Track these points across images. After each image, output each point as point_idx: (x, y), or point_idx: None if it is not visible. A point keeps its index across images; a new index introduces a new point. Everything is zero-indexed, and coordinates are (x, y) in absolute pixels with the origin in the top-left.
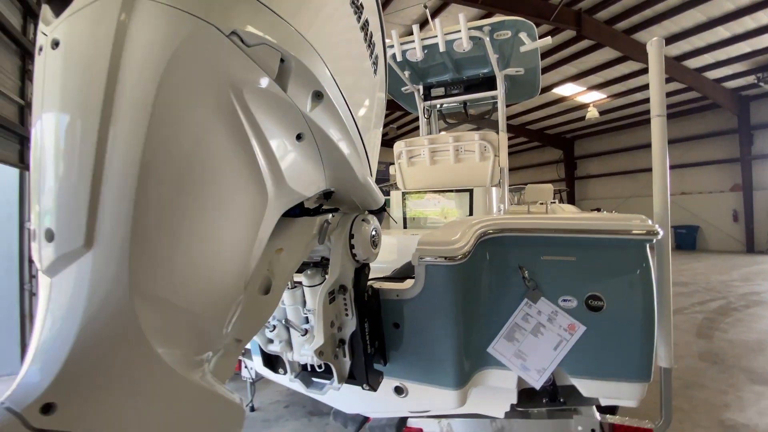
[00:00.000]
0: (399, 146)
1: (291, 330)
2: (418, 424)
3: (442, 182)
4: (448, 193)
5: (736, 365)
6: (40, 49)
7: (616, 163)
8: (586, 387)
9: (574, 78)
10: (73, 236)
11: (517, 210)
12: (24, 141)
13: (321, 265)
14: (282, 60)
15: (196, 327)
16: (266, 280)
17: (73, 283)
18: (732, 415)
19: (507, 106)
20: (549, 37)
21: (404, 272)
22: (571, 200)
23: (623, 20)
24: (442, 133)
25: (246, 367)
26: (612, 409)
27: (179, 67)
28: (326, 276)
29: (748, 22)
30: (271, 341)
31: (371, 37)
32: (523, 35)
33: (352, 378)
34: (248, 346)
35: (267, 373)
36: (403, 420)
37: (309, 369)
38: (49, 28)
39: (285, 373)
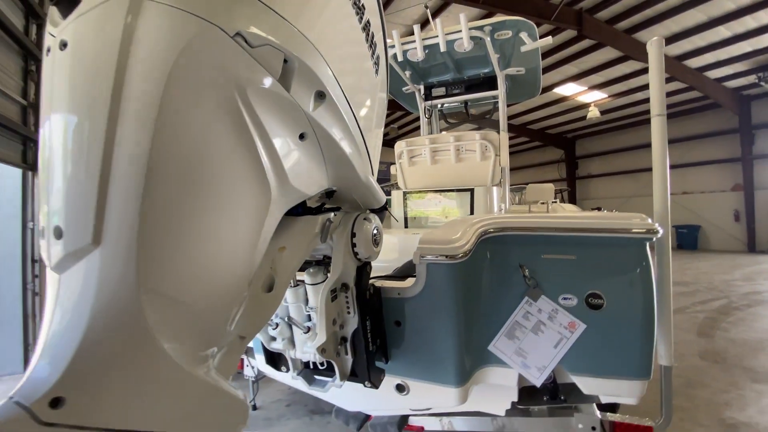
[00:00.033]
0: (400, 146)
1: (293, 327)
2: (420, 422)
3: (443, 182)
4: (449, 193)
5: (738, 364)
6: (48, 50)
7: (617, 162)
8: (586, 384)
9: (575, 78)
10: (81, 234)
11: (518, 210)
12: (27, 141)
13: (323, 263)
14: (285, 60)
15: (201, 323)
16: (269, 278)
17: (81, 279)
18: (733, 414)
19: (508, 105)
20: (550, 36)
21: (405, 271)
22: (572, 200)
23: (624, 20)
24: (443, 132)
25: (248, 365)
26: (612, 407)
27: (185, 67)
28: (328, 274)
29: (749, 22)
30: (273, 339)
31: (373, 37)
32: (523, 35)
33: (354, 375)
34: (251, 344)
35: (269, 371)
36: (404, 418)
37: (311, 367)
38: (57, 29)
39: (287, 370)
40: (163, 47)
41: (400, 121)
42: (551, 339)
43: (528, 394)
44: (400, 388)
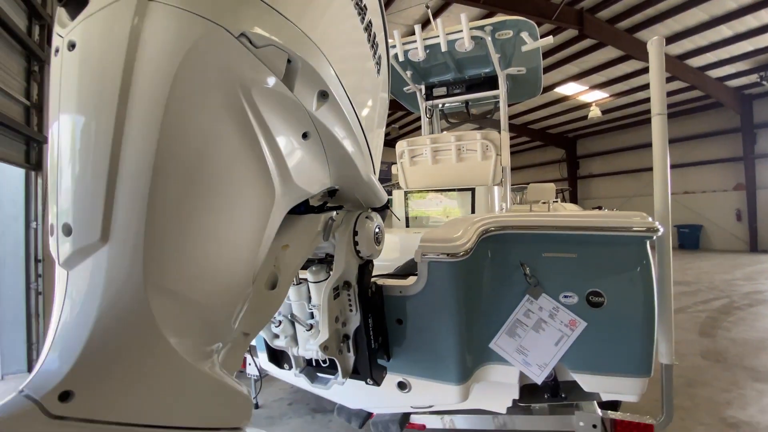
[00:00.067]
0: (401, 146)
1: (296, 325)
2: (421, 420)
3: (444, 181)
4: (450, 193)
5: (739, 364)
6: (57, 51)
7: (618, 162)
8: (587, 382)
9: (576, 77)
10: (89, 231)
11: (519, 209)
12: (30, 141)
13: (326, 261)
14: (289, 60)
15: (207, 318)
16: (273, 275)
17: (89, 276)
18: (734, 413)
19: (509, 105)
20: (551, 36)
21: (407, 269)
22: (573, 199)
23: (625, 19)
24: (444, 132)
25: (251, 364)
26: (614, 405)
27: (190, 68)
28: (331, 272)
29: (751, 21)
30: (276, 336)
31: (374, 37)
32: (524, 35)
33: (356, 373)
34: (253, 342)
35: (272, 368)
36: (406, 415)
37: (314, 364)
38: (65, 30)
39: (290, 368)
40: (169, 48)
41: (401, 121)
42: (552, 337)
43: (529, 391)
44: (402, 386)
